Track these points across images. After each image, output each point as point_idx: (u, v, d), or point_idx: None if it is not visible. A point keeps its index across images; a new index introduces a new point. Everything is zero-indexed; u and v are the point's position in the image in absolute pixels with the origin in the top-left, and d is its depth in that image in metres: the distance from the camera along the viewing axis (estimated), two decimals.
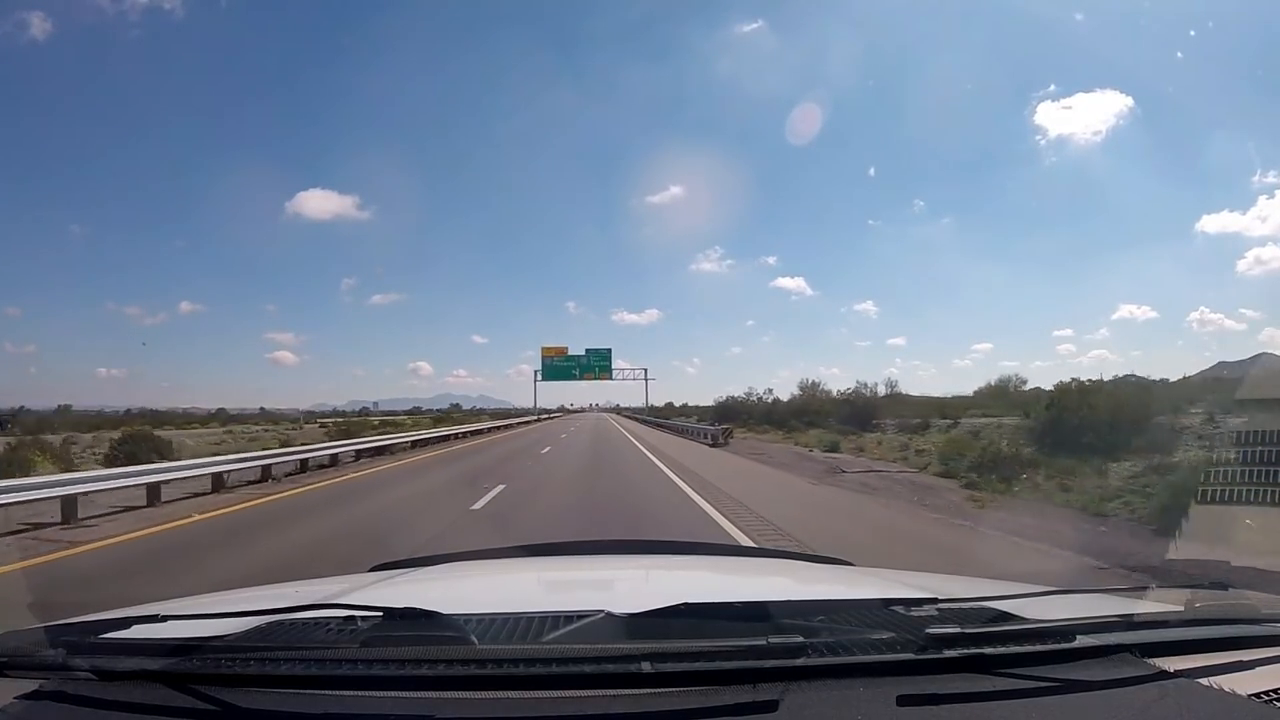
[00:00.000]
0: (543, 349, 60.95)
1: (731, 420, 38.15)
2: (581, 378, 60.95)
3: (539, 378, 60.73)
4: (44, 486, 8.77)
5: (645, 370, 65.72)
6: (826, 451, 19.03)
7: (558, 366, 60.60)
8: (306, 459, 15.65)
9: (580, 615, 0.99)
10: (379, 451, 20.17)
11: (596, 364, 60.94)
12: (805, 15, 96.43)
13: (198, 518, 9.03)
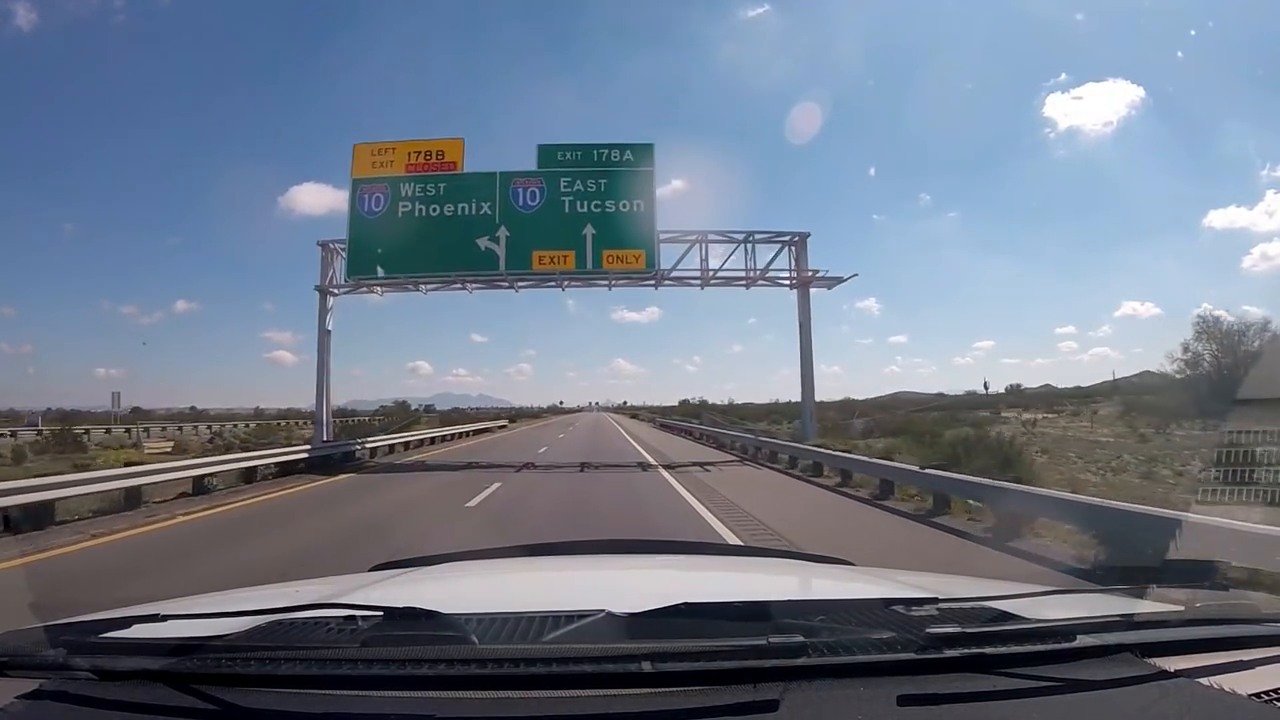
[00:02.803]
0: (355, 152, 17.65)
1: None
2: (543, 270, 17.20)
3: (338, 280, 18.18)
4: None
5: (797, 241, 18.42)
6: None
7: (432, 228, 16.93)
8: None
9: (580, 615, 0.99)
10: None
11: (578, 210, 17.02)
12: (810, 2, 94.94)
13: None
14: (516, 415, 74.27)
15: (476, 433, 35.74)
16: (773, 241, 18.83)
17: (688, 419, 44.22)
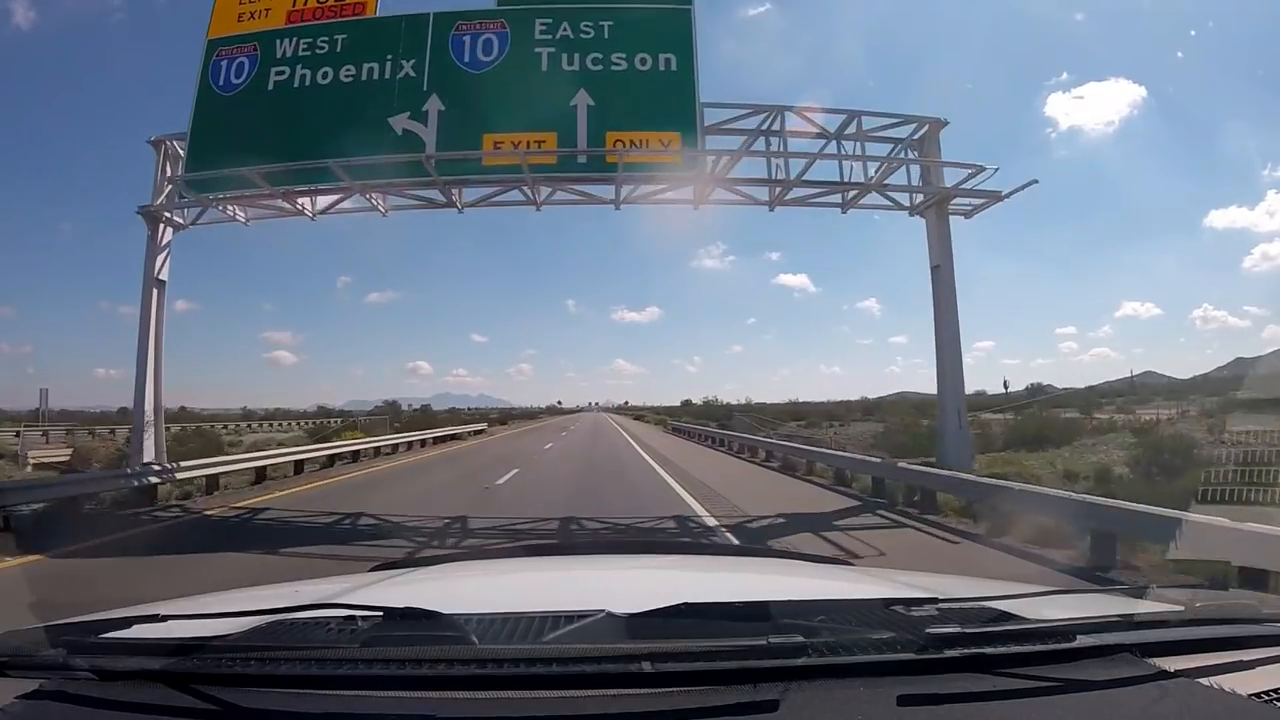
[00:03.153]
0: (216, 4, 10.61)
1: None
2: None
3: (178, 197, 10.88)
4: None
5: (924, 133, 10.44)
6: None
7: (320, 105, 9.97)
8: None
9: (580, 615, 1.00)
10: None
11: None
12: (811, 2, 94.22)
13: None
14: (506, 416, 69.34)
15: (438, 440, 27.34)
16: (883, 138, 10.72)
17: (702, 421, 36.56)
